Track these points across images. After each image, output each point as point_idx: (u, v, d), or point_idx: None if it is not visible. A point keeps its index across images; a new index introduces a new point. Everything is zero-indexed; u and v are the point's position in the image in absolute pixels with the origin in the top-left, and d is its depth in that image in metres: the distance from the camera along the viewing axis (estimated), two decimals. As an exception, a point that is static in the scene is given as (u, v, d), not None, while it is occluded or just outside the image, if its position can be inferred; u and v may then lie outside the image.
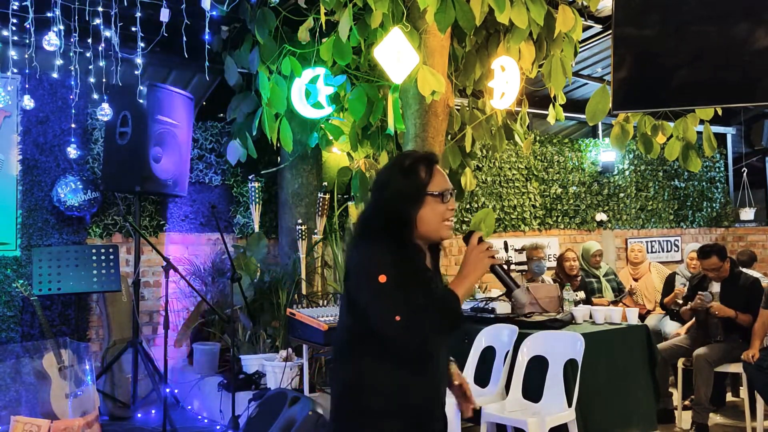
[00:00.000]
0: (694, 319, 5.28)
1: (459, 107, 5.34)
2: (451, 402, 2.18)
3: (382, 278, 1.86)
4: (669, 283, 6.16)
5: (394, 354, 1.93)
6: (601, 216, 8.46)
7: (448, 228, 2.02)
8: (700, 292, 5.09)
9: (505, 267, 2.09)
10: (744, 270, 5.68)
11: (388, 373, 1.94)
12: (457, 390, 2.20)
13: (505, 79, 4.77)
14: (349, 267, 2.01)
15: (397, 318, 1.84)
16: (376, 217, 2.01)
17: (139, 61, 4.13)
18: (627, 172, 8.78)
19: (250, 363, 4.98)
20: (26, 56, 3.99)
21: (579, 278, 6.43)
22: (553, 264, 7.09)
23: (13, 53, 3.98)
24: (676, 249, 9.05)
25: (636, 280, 6.92)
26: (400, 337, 1.87)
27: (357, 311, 1.95)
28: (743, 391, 5.00)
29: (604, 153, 8.43)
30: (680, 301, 5.65)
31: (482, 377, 4.40)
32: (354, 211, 5.61)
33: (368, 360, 1.95)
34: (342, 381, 2.01)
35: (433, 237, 2.03)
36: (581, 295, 6.21)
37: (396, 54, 4.15)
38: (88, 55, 4.31)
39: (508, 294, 2.17)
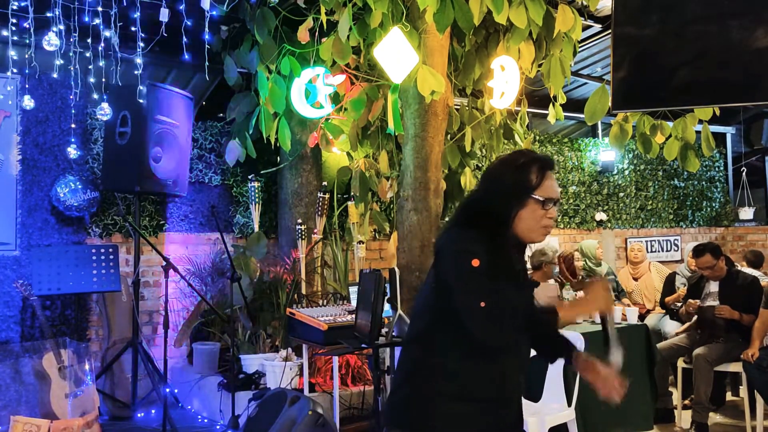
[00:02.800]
0: (695, 318, 5.28)
1: (458, 107, 5.34)
2: None
3: (476, 262, 1.88)
4: (669, 283, 6.17)
5: (472, 340, 1.91)
6: (600, 215, 8.46)
7: (543, 233, 2.05)
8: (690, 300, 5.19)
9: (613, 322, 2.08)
10: (742, 269, 5.69)
11: (462, 358, 1.95)
12: (589, 377, 2.04)
13: (504, 78, 4.76)
14: (439, 247, 2.02)
15: (482, 304, 1.84)
16: (478, 206, 2.07)
17: (139, 61, 4.13)
18: (627, 172, 8.77)
19: (250, 363, 4.98)
20: (26, 56, 3.99)
21: (579, 278, 6.44)
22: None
23: (13, 53, 3.98)
24: (676, 248, 9.05)
25: (636, 279, 6.92)
26: (480, 323, 1.87)
27: (444, 293, 1.94)
28: (743, 391, 5.00)
29: (604, 152, 8.43)
30: (679, 304, 5.66)
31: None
32: (354, 210, 5.60)
33: (446, 342, 1.96)
34: (416, 362, 2.01)
35: (525, 238, 2.05)
36: (581, 294, 6.20)
37: (396, 54, 4.15)
38: (88, 55, 4.30)
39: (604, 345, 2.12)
